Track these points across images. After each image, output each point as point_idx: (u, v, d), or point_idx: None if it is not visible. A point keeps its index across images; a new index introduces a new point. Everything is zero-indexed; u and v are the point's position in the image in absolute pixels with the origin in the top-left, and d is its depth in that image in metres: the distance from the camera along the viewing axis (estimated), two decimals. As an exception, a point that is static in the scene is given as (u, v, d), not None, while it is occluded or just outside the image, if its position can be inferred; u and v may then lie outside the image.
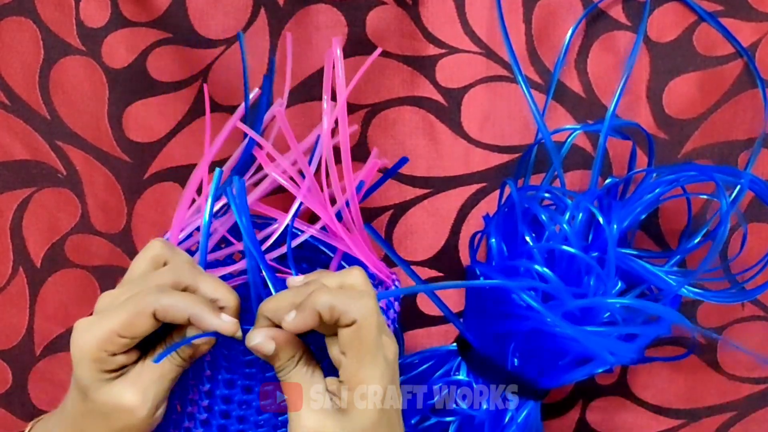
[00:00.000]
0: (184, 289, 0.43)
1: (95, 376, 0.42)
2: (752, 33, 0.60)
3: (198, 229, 0.53)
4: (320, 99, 0.61)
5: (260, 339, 0.42)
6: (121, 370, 0.43)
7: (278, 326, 0.42)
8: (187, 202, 0.52)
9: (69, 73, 0.61)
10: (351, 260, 0.54)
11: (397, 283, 0.55)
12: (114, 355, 0.42)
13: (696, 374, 0.66)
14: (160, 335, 0.44)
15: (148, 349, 0.44)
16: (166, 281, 0.43)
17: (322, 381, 0.43)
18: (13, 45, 0.61)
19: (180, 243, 0.53)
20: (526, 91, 0.58)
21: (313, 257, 0.58)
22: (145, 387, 0.43)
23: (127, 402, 0.42)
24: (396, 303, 0.53)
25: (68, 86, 0.62)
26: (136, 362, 0.43)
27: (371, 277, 0.56)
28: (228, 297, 0.44)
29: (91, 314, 0.43)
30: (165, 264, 0.45)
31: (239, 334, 0.43)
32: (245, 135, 0.54)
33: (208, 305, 0.42)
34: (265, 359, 0.43)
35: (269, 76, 0.56)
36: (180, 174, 0.63)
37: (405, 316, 0.63)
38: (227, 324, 0.42)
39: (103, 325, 0.41)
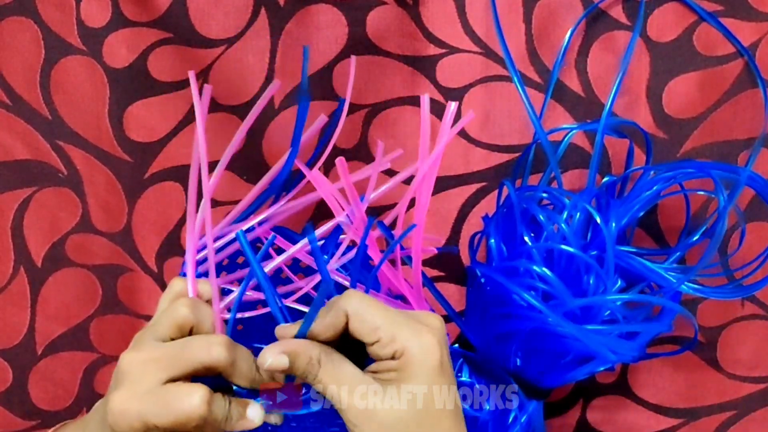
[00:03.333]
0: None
1: None
2: (752, 33, 0.60)
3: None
4: (320, 99, 0.62)
5: (271, 358, 0.41)
6: None
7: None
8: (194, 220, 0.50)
9: (70, 73, 0.61)
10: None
11: None
12: None
13: (696, 373, 0.66)
14: None
15: None
16: (203, 362, 0.41)
17: (354, 368, 0.42)
18: (14, 45, 0.61)
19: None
20: (521, 90, 0.58)
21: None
22: None
23: None
24: None
25: (69, 86, 0.62)
26: None
27: None
28: (261, 380, 0.43)
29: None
30: (191, 329, 0.44)
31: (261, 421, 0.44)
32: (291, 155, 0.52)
33: (243, 415, 0.43)
34: (289, 374, 0.43)
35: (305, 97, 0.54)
36: (181, 174, 0.63)
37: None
38: (256, 422, 0.43)
39: (144, 416, 0.40)
